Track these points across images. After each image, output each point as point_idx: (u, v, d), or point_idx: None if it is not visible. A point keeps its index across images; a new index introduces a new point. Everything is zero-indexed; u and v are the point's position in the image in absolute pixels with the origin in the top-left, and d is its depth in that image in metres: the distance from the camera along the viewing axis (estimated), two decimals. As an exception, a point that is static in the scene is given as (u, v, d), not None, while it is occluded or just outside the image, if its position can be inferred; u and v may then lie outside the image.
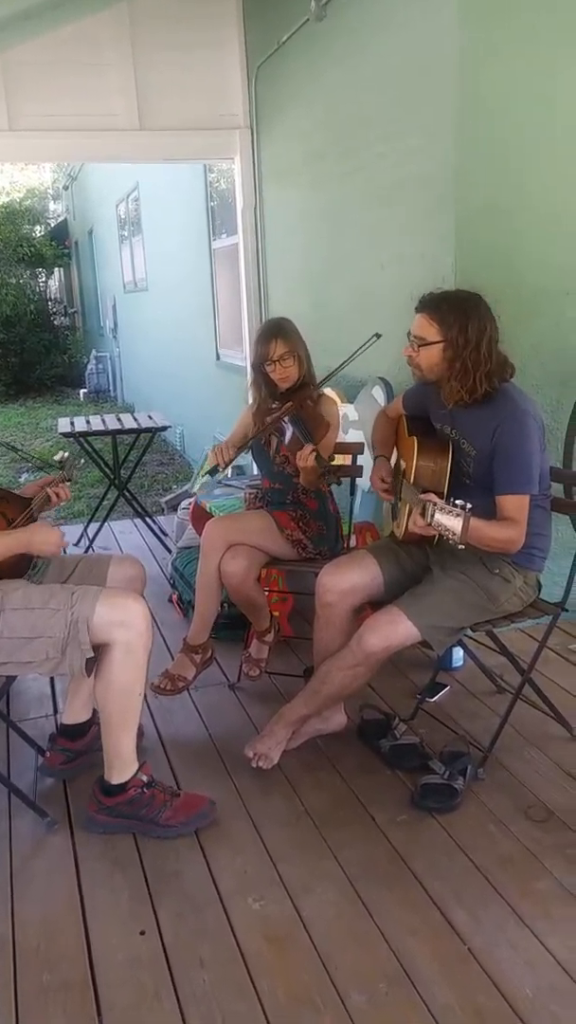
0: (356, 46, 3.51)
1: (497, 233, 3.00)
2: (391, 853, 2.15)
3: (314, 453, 2.60)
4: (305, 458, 2.62)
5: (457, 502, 1.94)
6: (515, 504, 2.24)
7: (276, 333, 2.82)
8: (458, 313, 2.27)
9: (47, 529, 2.15)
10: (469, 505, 1.93)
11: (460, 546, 1.95)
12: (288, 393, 2.87)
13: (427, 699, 2.86)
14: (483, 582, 2.34)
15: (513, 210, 3.00)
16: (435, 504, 1.97)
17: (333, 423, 2.88)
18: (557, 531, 3.26)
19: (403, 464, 2.54)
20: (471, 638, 2.75)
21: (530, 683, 2.54)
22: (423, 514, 2.01)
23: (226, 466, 2.86)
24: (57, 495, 2.35)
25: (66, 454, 2.42)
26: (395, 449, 2.74)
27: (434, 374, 2.35)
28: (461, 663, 3.10)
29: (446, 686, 2.96)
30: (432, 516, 1.97)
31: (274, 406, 2.89)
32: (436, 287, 2.38)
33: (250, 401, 3.01)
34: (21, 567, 2.24)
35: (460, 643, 2.90)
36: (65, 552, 2.28)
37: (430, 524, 1.98)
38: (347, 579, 2.47)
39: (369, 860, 2.12)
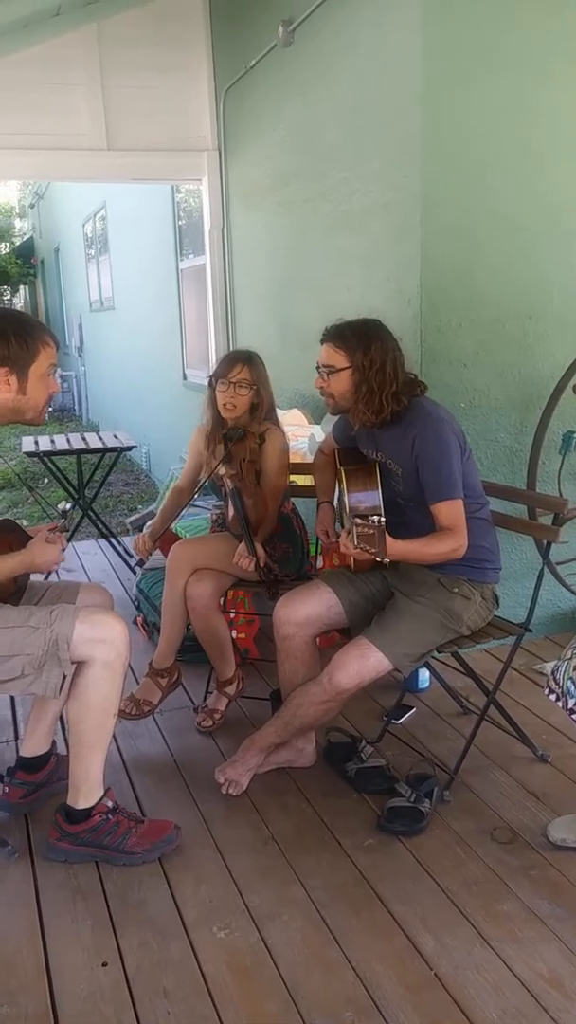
0: (323, 71, 3.56)
1: (463, 257, 3.04)
2: (358, 878, 2.13)
3: (252, 562, 2.60)
4: (244, 566, 2.63)
5: (372, 518, 1.98)
6: (448, 511, 2.27)
7: (246, 360, 2.79)
8: (361, 338, 2.34)
9: (44, 546, 2.17)
10: (383, 520, 1.98)
11: (386, 560, 2.00)
12: (230, 435, 2.79)
13: (393, 721, 2.86)
14: (445, 603, 2.35)
15: (478, 234, 3.05)
16: (356, 525, 2.00)
17: (279, 464, 2.83)
18: (521, 552, 3.31)
19: (343, 496, 2.56)
20: (437, 659, 2.77)
21: (495, 704, 2.55)
22: (350, 538, 2.03)
23: (148, 555, 2.89)
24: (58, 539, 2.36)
25: (69, 507, 2.47)
26: (336, 484, 2.77)
27: (346, 400, 2.39)
28: (427, 685, 3.10)
29: (412, 708, 2.97)
30: (355, 537, 1.99)
31: (219, 459, 2.84)
32: (338, 318, 2.43)
33: (203, 420, 2.97)
34: (16, 595, 2.24)
35: (426, 665, 2.92)
36: (58, 572, 2.29)
37: (357, 547, 2.00)
38: (302, 611, 2.47)
39: (336, 886, 2.11)
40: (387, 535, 2.00)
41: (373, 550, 1.98)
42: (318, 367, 2.42)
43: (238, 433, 2.79)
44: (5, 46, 4.36)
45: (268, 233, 4.45)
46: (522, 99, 3.01)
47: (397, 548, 2.11)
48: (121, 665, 2.13)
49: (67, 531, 2.31)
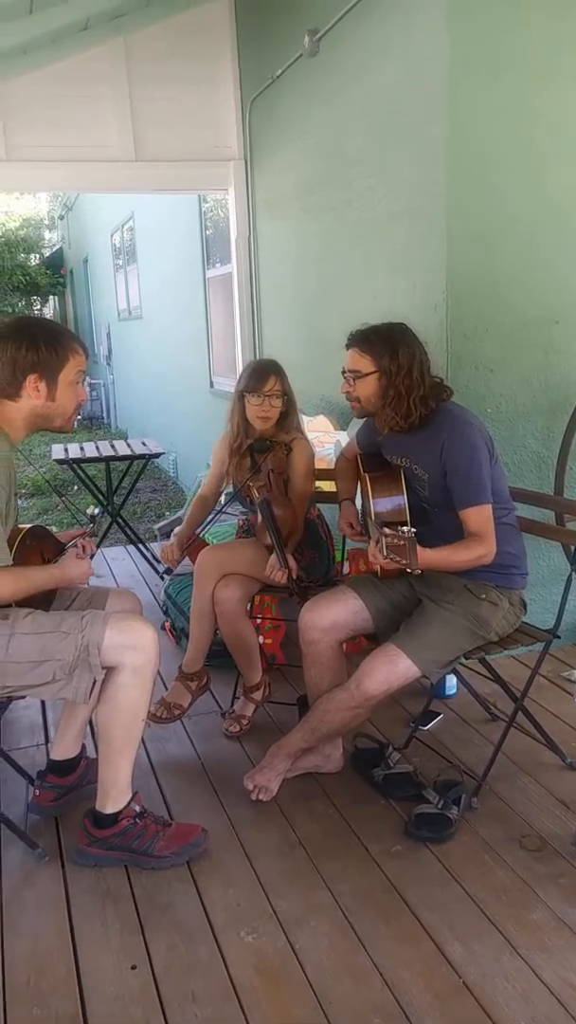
0: (348, 80, 3.58)
1: (488, 264, 3.04)
2: (385, 884, 2.13)
3: (285, 575, 2.62)
4: (277, 579, 2.65)
5: (402, 529, 1.97)
6: (477, 516, 2.27)
7: (275, 370, 2.80)
8: (387, 342, 2.34)
9: (77, 562, 2.22)
10: (413, 531, 1.97)
11: (417, 571, 2.00)
12: (257, 446, 2.81)
13: (420, 728, 2.85)
14: (473, 609, 2.35)
15: (504, 240, 3.04)
16: (385, 535, 2.00)
17: (306, 470, 2.84)
18: (548, 558, 3.29)
19: (368, 503, 2.57)
20: (464, 666, 2.76)
21: (523, 711, 2.54)
22: (379, 548, 2.03)
23: (176, 564, 2.91)
24: (84, 547, 2.41)
25: (97, 511, 2.50)
26: (359, 489, 2.77)
27: (372, 405, 2.40)
28: (454, 691, 3.09)
29: (439, 714, 2.96)
30: (384, 548, 2.00)
31: (247, 472, 2.86)
32: (364, 323, 2.43)
33: (219, 440, 2.98)
34: (46, 600, 2.27)
35: (454, 671, 2.91)
36: (88, 583, 2.34)
37: (387, 557, 2.00)
38: (328, 616, 2.48)
39: (363, 891, 2.11)
40: (417, 545, 1.99)
41: (404, 561, 1.97)
42: (344, 372, 2.42)
43: (265, 444, 2.80)
44: (35, 60, 4.45)
45: (294, 241, 4.48)
46: (547, 105, 3.00)
47: (425, 557, 2.10)
48: (151, 671, 2.15)
49: (96, 535, 2.34)
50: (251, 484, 2.77)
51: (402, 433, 2.41)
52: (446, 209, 2.97)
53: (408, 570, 1.99)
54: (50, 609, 2.23)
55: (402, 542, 1.96)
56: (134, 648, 2.10)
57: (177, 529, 3.07)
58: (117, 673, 2.10)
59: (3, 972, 1.88)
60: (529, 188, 3.04)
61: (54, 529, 2.43)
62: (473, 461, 2.28)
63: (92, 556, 2.33)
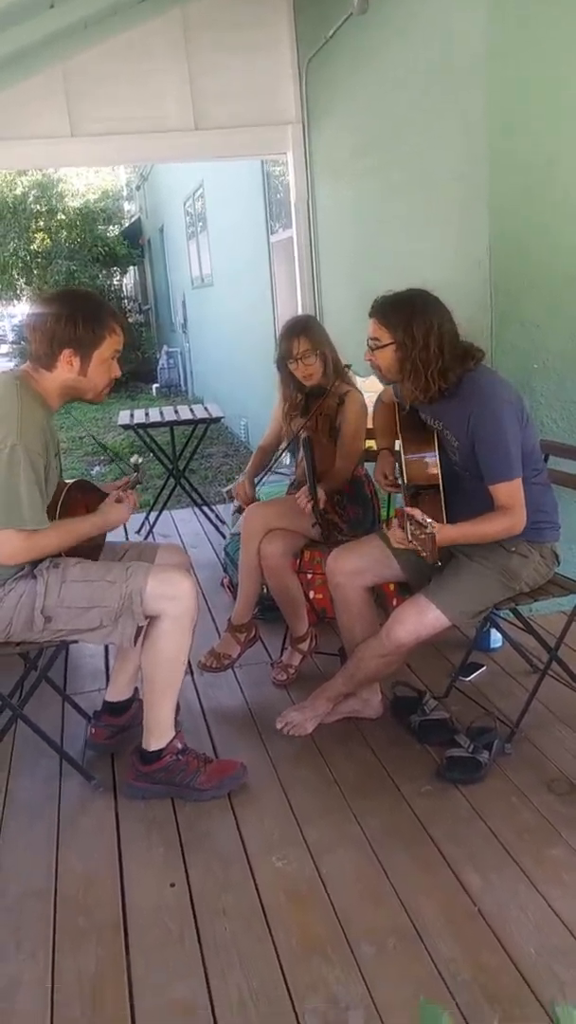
0: (394, 38, 3.57)
1: (532, 223, 3.01)
2: (412, 820, 2.23)
3: (311, 503, 2.70)
4: (302, 505, 2.73)
5: (428, 530, 2.03)
6: (506, 491, 2.29)
7: (299, 331, 2.87)
8: (402, 314, 2.31)
9: (114, 506, 2.36)
10: (435, 526, 2.04)
11: (437, 563, 2.09)
12: (313, 393, 2.91)
13: (462, 678, 2.92)
14: (502, 562, 2.39)
15: (548, 194, 3.01)
16: (412, 521, 2.06)
17: (356, 426, 2.92)
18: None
19: (400, 464, 2.59)
20: (506, 620, 2.81)
21: (558, 661, 2.58)
22: (402, 528, 2.10)
23: (250, 502, 3.01)
24: (128, 499, 2.52)
25: (141, 459, 2.62)
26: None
27: (392, 374, 2.40)
28: (500, 644, 3.14)
29: (483, 666, 3.02)
30: (410, 535, 2.07)
31: (297, 413, 2.95)
32: (388, 289, 2.42)
33: (277, 401, 3.09)
34: (95, 554, 2.43)
35: (496, 625, 2.96)
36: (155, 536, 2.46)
37: (411, 540, 2.07)
38: (351, 561, 2.57)
39: (391, 826, 2.22)
40: (440, 526, 2.08)
41: (425, 553, 2.06)
42: (368, 340, 2.46)
43: (321, 389, 2.92)
44: (96, 34, 4.55)
45: (348, 203, 4.50)
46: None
47: (450, 534, 2.19)
48: (189, 620, 2.29)
49: (140, 483, 2.47)
50: (299, 425, 2.87)
51: (426, 404, 2.44)
52: (488, 165, 2.95)
53: (429, 562, 2.08)
54: (99, 560, 2.40)
55: (424, 536, 2.04)
56: (173, 598, 2.24)
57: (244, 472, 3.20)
58: (159, 621, 2.26)
59: (56, 886, 2.08)
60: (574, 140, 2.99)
61: (104, 482, 2.58)
62: (500, 436, 2.27)
63: (133, 508, 2.44)
